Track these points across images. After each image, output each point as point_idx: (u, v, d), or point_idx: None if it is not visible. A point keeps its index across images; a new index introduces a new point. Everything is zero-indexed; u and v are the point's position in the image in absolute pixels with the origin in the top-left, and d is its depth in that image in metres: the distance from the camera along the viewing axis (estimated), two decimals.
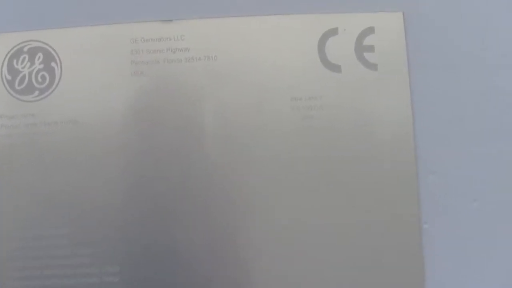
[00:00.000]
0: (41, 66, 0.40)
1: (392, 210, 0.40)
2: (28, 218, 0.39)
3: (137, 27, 0.40)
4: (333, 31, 0.41)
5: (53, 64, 0.40)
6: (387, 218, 0.39)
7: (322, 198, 0.40)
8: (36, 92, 0.40)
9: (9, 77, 0.40)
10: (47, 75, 0.40)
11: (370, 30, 0.41)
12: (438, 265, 0.40)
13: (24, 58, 0.40)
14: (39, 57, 0.40)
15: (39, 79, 0.40)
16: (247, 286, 0.39)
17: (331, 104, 0.40)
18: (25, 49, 0.40)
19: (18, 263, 0.39)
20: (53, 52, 0.40)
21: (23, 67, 0.40)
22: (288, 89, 0.40)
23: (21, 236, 0.39)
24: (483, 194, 0.40)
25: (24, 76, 0.40)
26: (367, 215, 0.39)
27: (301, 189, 0.40)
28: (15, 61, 0.40)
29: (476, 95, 0.41)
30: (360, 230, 0.39)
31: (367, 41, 0.40)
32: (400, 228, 0.39)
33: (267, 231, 0.39)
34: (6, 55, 0.40)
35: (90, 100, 0.40)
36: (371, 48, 0.40)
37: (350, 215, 0.39)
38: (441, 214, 0.40)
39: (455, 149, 0.41)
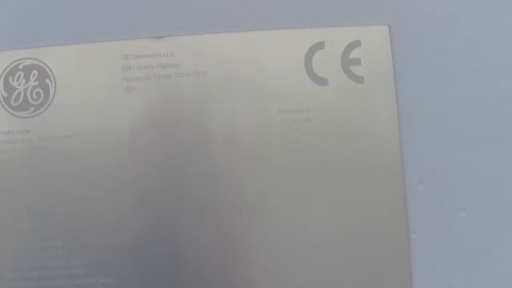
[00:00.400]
0: (36, 83, 0.41)
1: (379, 220, 0.40)
2: (23, 231, 0.40)
3: (128, 44, 0.41)
4: (320, 45, 0.41)
5: (47, 80, 0.41)
6: (374, 228, 0.40)
7: (310, 208, 0.40)
8: (32, 109, 0.41)
9: (5, 94, 0.41)
10: (41, 92, 0.41)
11: (356, 44, 0.41)
12: (426, 275, 0.40)
13: (20, 75, 0.41)
14: (34, 74, 0.41)
15: (34, 96, 0.41)
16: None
17: (318, 117, 0.41)
18: (21, 66, 0.41)
19: (14, 274, 0.40)
20: (47, 69, 0.41)
21: (18, 84, 0.41)
22: (276, 102, 0.41)
23: (16, 248, 0.40)
24: (471, 203, 0.41)
25: (19, 93, 0.41)
26: (354, 225, 0.40)
27: (289, 200, 0.40)
28: (11, 78, 0.41)
29: (462, 106, 0.41)
30: (347, 240, 0.40)
31: (354, 54, 0.41)
32: (388, 238, 0.40)
33: (256, 236, 0.40)
34: (3, 73, 0.41)
35: (84, 116, 0.41)
36: (357, 61, 0.41)
37: (337, 226, 0.40)
38: (429, 224, 0.40)
39: (442, 158, 0.41)
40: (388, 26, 0.42)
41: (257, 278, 0.40)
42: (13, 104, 0.41)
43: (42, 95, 0.41)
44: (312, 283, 0.40)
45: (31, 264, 0.40)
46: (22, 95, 0.41)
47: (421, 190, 0.41)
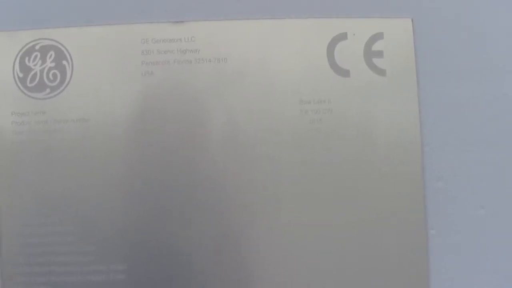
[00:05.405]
0: (53, 64, 0.40)
1: (398, 215, 0.40)
2: (36, 215, 0.39)
3: (148, 27, 0.41)
4: (343, 36, 0.41)
5: (64, 62, 0.41)
6: (393, 224, 0.39)
7: (328, 202, 0.40)
8: (47, 90, 0.40)
9: (21, 75, 0.40)
10: (58, 73, 0.40)
11: (379, 36, 0.41)
12: (443, 271, 0.40)
13: (36, 56, 0.41)
14: (50, 55, 0.41)
15: (51, 77, 0.40)
16: (254, 286, 0.39)
17: (339, 108, 0.40)
18: (37, 47, 0.41)
19: (26, 259, 0.39)
20: (64, 51, 0.41)
21: (35, 65, 0.40)
22: (297, 92, 0.40)
23: (29, 232, 0.39)
24: (490, 201, 0.40)
25: (35, 73, 0.40)
26: (373, 220, 0.39)
27: (306, 192, 0.40)
28: (27, 58, 0.41)
29: (484, 101, 0.41)
30: (365, 235, 0.39)
31: (376, 46, 0.41)
32: (406, 234, 0.39)
33: (274, 233, 0.39)
34: (19, 53, 0.41)
35: (100, 99, 0.40)
36: (380, 54, 0.41)
37: (356, 220, 0.39)
38: (447, 221, 0.40)
39: (463, 155, 0.41)
40: (412, 19, 0.41)
41: (274, 277, 0.39)
42: (28, 84, 0.40)
43: (59, 76, 0.40)
44: (330, 280, 0.39)
45: (41, 249, 0.39)
46: (38, 76, 0.40)
47: (440, 186, 0.40)
